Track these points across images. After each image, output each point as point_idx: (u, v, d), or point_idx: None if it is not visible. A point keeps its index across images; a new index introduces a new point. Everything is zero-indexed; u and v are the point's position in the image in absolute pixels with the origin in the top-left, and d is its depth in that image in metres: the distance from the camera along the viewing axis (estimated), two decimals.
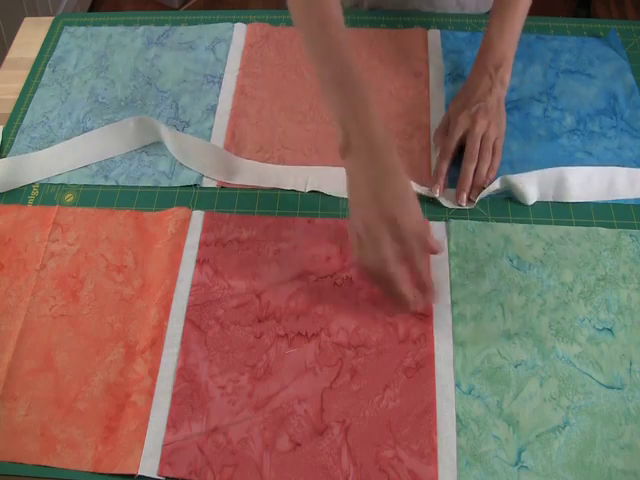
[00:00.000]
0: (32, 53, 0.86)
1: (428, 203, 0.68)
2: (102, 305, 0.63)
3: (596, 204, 0.68)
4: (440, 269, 0.63)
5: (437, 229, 0.66)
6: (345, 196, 0.68)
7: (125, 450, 0.55)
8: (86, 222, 0.69)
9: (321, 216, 0.68)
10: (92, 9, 2.09)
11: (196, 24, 0.87)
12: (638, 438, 0.54)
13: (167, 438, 0.56)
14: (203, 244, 0.66)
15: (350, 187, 0.59)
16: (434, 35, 0.83)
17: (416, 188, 0.67)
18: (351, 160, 0.58)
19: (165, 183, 0.72)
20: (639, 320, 0.60)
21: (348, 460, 0.54)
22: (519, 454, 0.54)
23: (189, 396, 0.58)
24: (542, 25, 0.84)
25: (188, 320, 0.62)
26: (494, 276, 0.63)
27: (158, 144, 0.75)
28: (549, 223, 0.66)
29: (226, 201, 0.70)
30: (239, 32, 0.85)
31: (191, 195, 0.71)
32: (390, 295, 0.57)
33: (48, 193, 0.72)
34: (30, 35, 0.89)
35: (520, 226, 0.66)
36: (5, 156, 0.75)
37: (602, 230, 0.65)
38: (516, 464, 0.53)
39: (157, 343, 0.60)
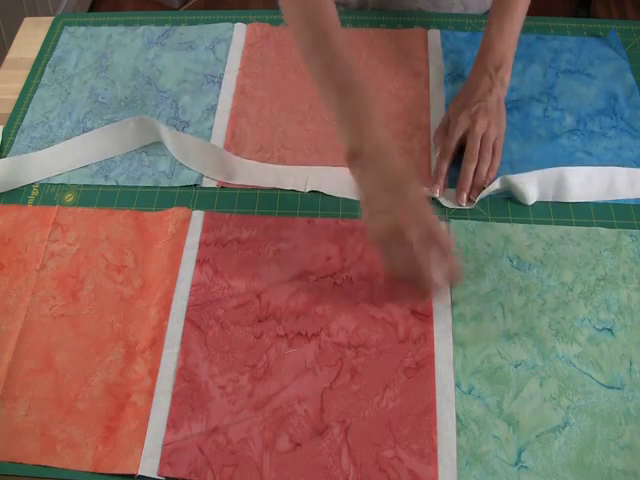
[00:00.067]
0: (32, 53, 0.86)
1: None
2: (102, 305, 0.63)
3: (596, 204, 0.68)
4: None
5: None
6: (345, 196, 0.69)
7: (125, 450, 0.55)
8: (86, 222, 0.69)
9: (321, 216, 0.68)
10: (92, 9, 2.09)
11: (196, 24, 0.87)
12: (638, 438, 0.54)
13: (167, 438, 0.56)
14: (203, 244, 0.66)
15: (364, 195, 0.59)
16: (434, 35, 0.83)
17: None
18: (360, 168, 0.59)
19: (165, 183, 0.72)
20: (639, 320, 0.60)
21: (348, 460, 0.54)
22: (519, 454, 0.54)
23: (189, 396, 0.58)
24: (542, 25, 0.84)
25: (188, 320, 0.62)
26: (494, 276, 0.63)
27: (158, 144, 0.75)
28: (549, 223, 0.66)
29: (226, 201, 0.70)
30: (239, 32, 0.85)
31: (191, 195, 0.71)
32: (418, 286, 0.59)
33: (48, 193, 0.72)
34: (30, 35, 0.89)
35: (520, 226, 0.66)
36: (5, 156, 0.75)
37: (602, 230, 0.65)
38: (516, 464, 0.53)
39: (157, 343, 0.60)
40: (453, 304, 0.61)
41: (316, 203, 0.69)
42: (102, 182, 0.72)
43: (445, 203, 0.68)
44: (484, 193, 0.67)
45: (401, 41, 0.83)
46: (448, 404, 0.56)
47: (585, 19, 0.86)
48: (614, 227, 0.66)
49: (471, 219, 0.67)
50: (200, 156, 0.73)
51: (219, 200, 0.70)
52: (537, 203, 0.68)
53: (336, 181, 0.69)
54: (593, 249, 0.64)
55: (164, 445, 0.55)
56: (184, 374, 0.59)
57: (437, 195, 0.68)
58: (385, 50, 0.82)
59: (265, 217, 0.68)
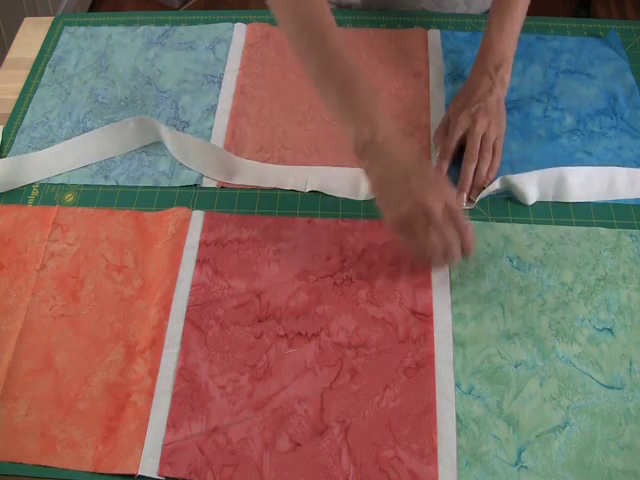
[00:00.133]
0: (32, 53, 0.86)
1: None
2: (102, 305, 0.63)
3: (596, 204, 0.68)
4: (440, 269, 0.63)
5: None
6: (345, 196, 0.69)
7: (125, 450, 0.55)
8: (86, 222, 0.69)
9: (321, 216, 0.68)
10: (92, 9, 2.09)
11: (196, 24, 0.87)
12: (638, 438, 0.54)
13: (167, 438, 0.56)
14: (203, 244, 0.66)
15: (378, 184, 0.59)
16: (434, 35, 0.83)
17: None
18: (372, 158, 0.59)
19: (165, 183, 0.72)
20: (639, 320, 0.60)
21: (348, 460, 0.54)
22: (519, 454, 0.54)
23: (189, 396, 0.58)
24: (542, 25, 0.84)
25: (188, 320, 0.62)
26: (494, 276, 0.63)
27: (158, 144, 0.75)
28: (549, 223, 0.66)
29: (226, 201, 0.70)
30: (239, 32, 0.85)
31: (191, 195, 0.71)
32: (437, 261, 0.61)
33: (48, 193, 0.72)
34: (30, 35, 0.89)
35: (520, 226, 0.66)
36: (5, 156, 0.75)
37: (602, 230, 0.65)
38: (516, 464, 0.53)
39: (157, 343, 0.60)
40: (453, 304, 0.61)
41: (316, 203, 0.69)
42: (102, 182, 0.72)
43: None
44: (484, 193, 0.67)
45: (401, 41, 0.83)
46: (448, 404, 0.56)
47: (585, 19, 0.86)
48: (614, 227, 0.66)
49: (471, 219, 0.67)
50: (200, 156, 0.73)
51: (219, 200, 0.70)
52: (537, 203, 0.68)
53: (336, 181, 0.70)
54: (593, 249, 0.64)
55: (164, 445, 0.55)
56: (184, 374, 0.59)
57: None
58: (385, 50, 0.82)
59: (265, 217, 0.68)
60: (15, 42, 0.88)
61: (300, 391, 0.57)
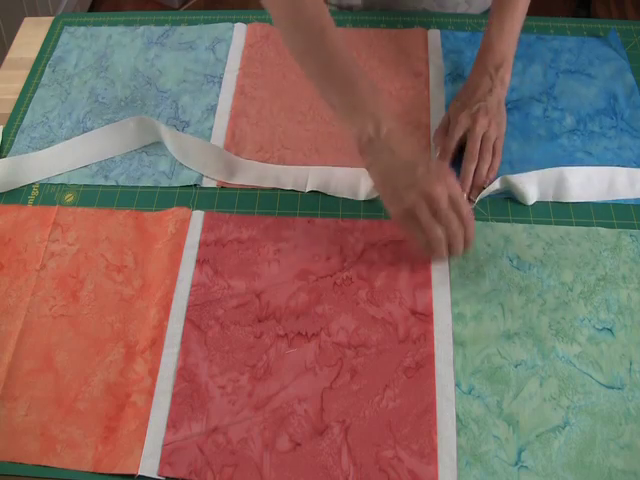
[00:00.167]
0: (32, 53, 0.86)
1: None
2: (102, 305, 0.63)
3: (596, 204, 0.68)
4: (440, 269, 0.63)
5: None
6: (345, 196, 0.69)
7: (125, 450, 0.55)
8: (86, 222, 0.69)
9: (321, 216, 0.68)
10: (92, 9, 2.09)
11: (196, 24, 0.87)
12: (638, 438, 0.54)
13: (167, 438, 0.56)
14: (203, 244, 0.66)
15: (382, 178, 0.60)
16: (434, 35, 0.83)
17: None
18: (377, 152, 0.59)
19: (165, 183, 0.72)
20: (639, 320, 0.60)
21: (348, 460, 0.54)
22: (519, 454, 0.54)
23: (189, 396, 0.58)
24: (542, 25, 0.84)
25: (188, 320, 0.62)
26: (494, 276, 0.63)
27: (158, 144, 0.75)
28: (549, 223, 0.66)
29: (226, 201, 0.70)
30: (239, 32, 0.85)
31: (191, 195, 0.71)
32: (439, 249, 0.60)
33: (48, 193, 0.72)
34: (30, 35, 0.89)
35: (520, 226, 0.66)
36: (5, 156, 0.75)
37: (602, 230, 0.65)
38: (516, 464, 0.53)
39: (157, 343, 0.60)
40: (453, 304, 0.61)
41: (316, 203, 0.69)
42: (102, 182, 0.72)
43: None
44: (484, 193, 0.67)
45: (401, 41, 0.83)
46: (448, 404, 0.56)
47: (585, 19, 0.86)
48: (614, 227, 0.66)
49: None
50: (200, 156, 0.73)
51: (219, 200, 0.70)
52: (537, 203, 0.68)
53: (336, 181, 0.70)
54: (593, 249, 0.64)
55: (164, 445, 0.55)
56: (184, 374, 0.59)
57: None
58: (385, 50, 0.82)
59: (265, 217, 0.68)
60: (15, 42, 0.88)
61: (300, 391, 0.57)
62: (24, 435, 0.57)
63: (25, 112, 0.79)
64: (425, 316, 0.61)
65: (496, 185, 0.67)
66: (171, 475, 0.54)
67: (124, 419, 0.57)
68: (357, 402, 0.56)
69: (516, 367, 0.58)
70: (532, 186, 0.67)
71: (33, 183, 0.73)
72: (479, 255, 0.64)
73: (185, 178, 0.72)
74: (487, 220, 0.67)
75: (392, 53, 0.81)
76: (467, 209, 0.59)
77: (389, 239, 0.65)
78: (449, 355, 0.58)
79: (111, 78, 0.82)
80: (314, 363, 0.59)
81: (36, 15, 1.70)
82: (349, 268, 0.64)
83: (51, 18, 0.90)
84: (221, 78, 0.81)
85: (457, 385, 0.57)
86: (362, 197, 0.69)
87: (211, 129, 0.76)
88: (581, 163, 0.70)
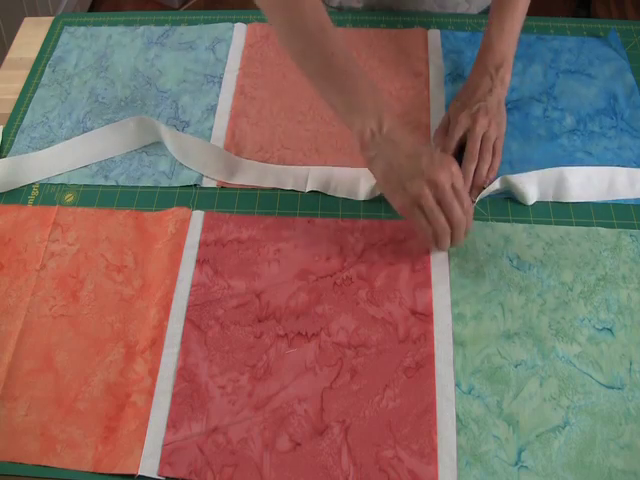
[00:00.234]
0: (32, 53, 0.86)
1: None
2: (102, 305, 0.63)
3: (596, 204, 0.68)
4: (440, 269, 0.63)
5: None
6: (345, 196, 0.69)
7: (125, 450, 0.55)
8: (86, 222, 0.69)
9: (321, 216, 0.68)
10: (92, 9, 2.09)
11: (196, 24, 0.87)
12: (638, 438, 0.54)
13: (167, 438, 0.56)
14: (203, 244, 0.66)
15: (385, 171, 0.60)
16: (434, 35, 0.83)
17: None
18: (380, 146, 0.60)
19: (165, 183, 0.72)
20: (639, 320, 0.60)
21: (348, 460, 0.54)
22: (519, 454, 0.54)
23: (189, 396, 0.58)
24: (542, 25, 0.84)
25: (188, 320, 0.62)
26: (494, 276, 0.63)
27: (158, 144, 0.75)
28: (549, 223, 0.66)
29: (226, 201, 0.70)
30: (239, 32, 0.85)
31: (191, 195, 0.71)
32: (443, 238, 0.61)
33: (48, 193, 0.72)
34: (30, 35, 0.89)
35: (520, 226, 0.66)
36: (5, 156, 0.75)
37: (602, 230, 0.65)
38: (516, 464, 0.53)
39: (157, 343, 0.60)
40: (453, 304, 0.61)
41: (316, 203, 0.69)
42: (102, 182, 0.72)
43: None
44: (484, 193, 0.67)
45: (401, 41, 0.83)
46: (448, 404, 0.56)
47: (585, 19, 0.86)
48: (614, 227, 0.66)
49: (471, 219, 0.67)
50: (200, 156, 0.73)
51: (219, 200, 0.70)
52: (537, 203, 0.68)
53: (336, 181, 0.70)
54: (593, 249, 0.64)
55: (164, 445, 0.55)
56: (184, 374, 0.59)
57: None
58: (385, 50, 0.82)
59: (265, 217, 0.68)
60: (15, 42, 0.88)
61: (300, 391, 0.57)
62: (24, 435, 0.57)
63: (25, 112, 0.79)
64: (425, 316, 0.61)
65: (496, 185, 0.67)
66: (171, 475, 0.54)
67: (124, 419, 0.57)
68: (357, 402, 0.56)
69: (516, 367, 0.58)
70: (532, 186, 0.67)
71: (33, 183, 0.73)
72: (479, 255, 0.64)
73: (185, 178, 0.72)
74: (487, 220, 0.67)
75: (392, 53, 0.81)
76: (468, 200, 0.60)
77: (389, 239, 0.65)
78: (449, 355, 0.58)
79: (111, 78, 0.82)
80: (314, 363, 0.59)
81: (36, 15, 1.70)
82: (349, 268, 0.64)
83: (51, 18, 0.90)
84: (221, 78, 0.81)
85: (457, 385, 0.57)
86: (362, 197, 0.69)
87: (211, 129, 0.76)
88: (581, 163, 0.70)
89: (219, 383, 0.58)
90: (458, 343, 0.59)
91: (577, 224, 0.66)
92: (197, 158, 0.73)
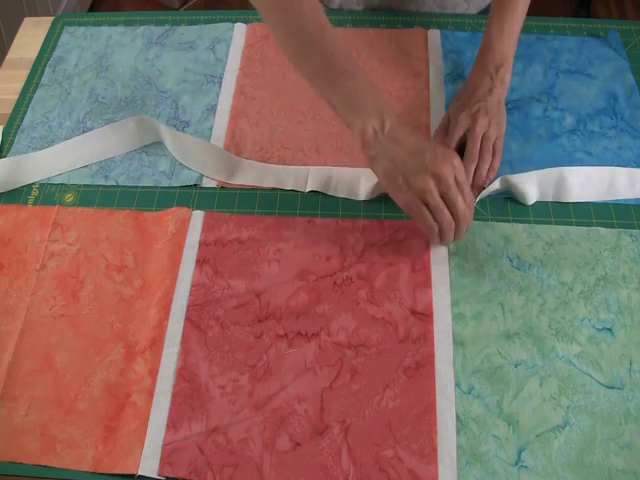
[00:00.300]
0: (32, 53, 0.86)
1: None
2: (102, 305, 0.63)
3: (596, 204, 0.68)
4: (440, 269, 0.63)
5: None
6: (345, 196, 0.69)
7: (125, 450, 0.55)
8: (86, 222, 0.69)
9: (321, 216, 0.68)
10: (92, 9, 2.09)
11: (196, 24, 0.87)
12: (638, 438, 0.54)
13: (167, 438, 0.56)
14: (203, 244, 0.66)
15: (389, 170, 0.60)
16: (434, 35, 0.83)
17: None
18: (383, 144, 0.60)
19: (165, 183, 0.72)
20: (639, 320, 0.60)
21: (348, 460, 0.54)
22: (519, 454, 0.54)
23: (189, 396, 0.58)
24: (542, 25, 0.84)
25: (188, 320, 0.62)
26: (494, 276, 0.63)
27: (158, 144, 0.75)
28: (549, 223, 0.66)
29: (226, 201, 0.70)
30: (239, 32, 0.85)
31: (191, 195, 0.71)
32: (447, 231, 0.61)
33: (48, 193, 0.72)
34: (30, 35, 0.89)
35: (520, 226, 0.66)
36: (5, 156, 0.75)
37: (602, 230, 0.65)
38: (516, 464, 0.53)
39: (157, 343, 0.60)
40: (453, 304, 0.61)
41: (316, 203, 0.69)
42: (102, 182, 0.72)
43: None
44: (484, 193, 0.67)
45: (401, 41, 0.83)
46: (448, 404, 0.56)
47: (585, 19, 0.86)
48: (614, 227, 0.66)
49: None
50: (200, 156, 0.73)
51: (219, 200, 0.70)
52: (537, 203, 0.68)
53: (336, 181, 0.70)
54: (593, 249, 0.64)
55: (164, 445, 0.55)
56: (184, 374, 0.59)
57: None
58: (385, 50, 0.82)
59: (265, 217, 0.68)
60: (15, 42, 0.88)
61: (300, 391, 0.57)
62: (24, 435, 0.57)
63: (25, 112, 0.79)
64: (425, 316, 0.61)
65: (496, 185, 0.67)
66: (171, 475, 0.54)
67: (124, 419, 0.57)
68: (357, 402, 0.56)
69: (516, 367, 0.58)
70: (532, 186, 0.67)
71: (33, 183, 0.73)
72: (479, 255, 0.64)
73: (185, 178, 0.72)
74: (487, 220, 0.67)
75: (392, 53, 0.81)
76: (470, 194, 0.60)
77: (389, 239, 0.65)
78: (449, 355, 0.58)
79: (111, 78, 0.82)
80: (314, 363, 0.59)
81: (36, 15, 1.69)
82: (349, 268, 0.64)
83: (51, 18, 0.90)
84: (221, 78, 0.81)
85: (457, 385, 0.57)
86: (362, 197, 0.69)
87: (211, 129, 0.76)
88: (581, 163, 0.70)
89: (219, 383, 0.58)
90: (458, 343, 0.59)
91: (577, 224, 0.66)
92: (197, 158, 0.73)
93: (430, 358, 0.58)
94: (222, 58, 0.83)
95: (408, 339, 0.59)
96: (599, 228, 0.65)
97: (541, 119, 0.74)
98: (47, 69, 0.84)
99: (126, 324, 0.62)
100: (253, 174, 0.71)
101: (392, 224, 0.66)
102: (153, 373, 0.59)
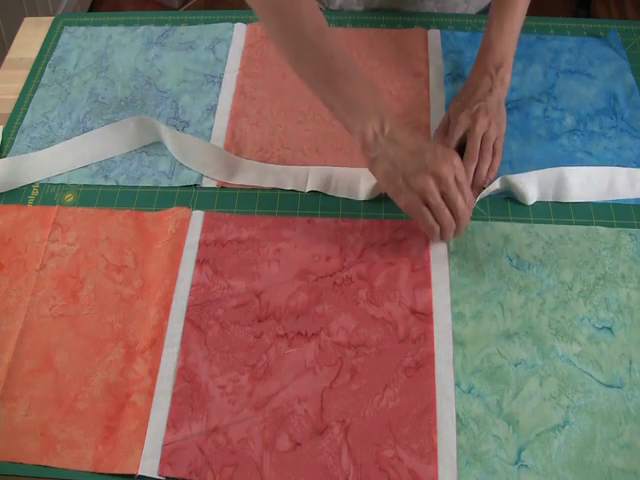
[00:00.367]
0: (32, 53, 0.86)
1: None
2: (102, 305, 0.63)
3: (596, 204, 0.68)
4: (440, 268, 0.63)
5: None
6: (345, 196, 0.69)
7: (125, 450, 0.55)
8: (86, 222, 0.69)
9: (321, 216, 0.68)
10: (92, 9, 2.09)
11: (196, 24, 0.87)
12: (638, 437, 0.54)
13: (167, 438, 0.56)
14: (203, 244, 0.66)
15: (389, 171, 0.60)
16: (434, 35, 0.83)
17: None
18: (383, 146, 0.60)
19: (165, 183, 0.72)
20: (638, 319, 0.60)
21: (348, 460, 0.54)
22: (519, 453, 0.54)
23: (189, 396, 0.58)
24: (542, 25, 0.84)
25: (188, 320, 0.62)
26: (494, 275, 0.63)
27: (158, 144, 0.75)
28: (549, 223, 0.66)
29: (226, 201, 0.70)
30: (239, 32, 0.85)
31: (191, 195, 0.71)
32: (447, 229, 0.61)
33: (48, 193, 0.72)
34: (30, 35, 0.89)
35: (520, 225, 0.66)
36: (5, 156, 0.75)
37: (601, 229, 0.65)
38: (516, 463, 0.53)
39: (157, 343, 0.60)
40: (453, 303, 0.61)
41: (316, 203, 0.69)
42: (102, 182, 0.72)
43: None
44: (484, 193, 0.67)
45: (401, 41, 0.83)
46: (448, 403, 0.56)
47: (585, 19, 0.86)
48: (614, 227, 0.66)
49: (471, 219, 0.66)
50: (200, 156, 0.73)
51: (219, 200, 0.70)
52: (537, 203, 0.68)
53: (336, 181, 0.70)
54: (592, 248, 0.64)
55: (164, 445, 0.55)
56: (184, 374, 0.59)
57: None
58: (385, 50, 0.82)
59: (265, 217, 0.68)
60: (15, 42, 0.88)
61: (300, 391, 0.57)
62: (24, 435, 0.57)
63: (25, 112, 0.79)
64: (425, 315, 0.61)
65: (496, 185, 0.67)
66: (171, 475, 0.54)
67: (124, 419, 0.57)
68: (357, 402, 0.56)
69: (516, 366, 0.58)
70: (532, 186, 0.67)
71: (33, 183, 0.73)
72: (479, 254, 0.64)
73: (185, 178, 0.72)
74: (487, 220, 0.67)
75: (392, 53, 0.81)
76: (470, 193, 0.61)
77: (389, 239, 0.65)
78: (449, 355, 0.59)
79: (111, 78, 0.82)
80: (314, 363, 0.59)
81: (36, 15, 1.69)
82: (349, 268, 0.64)
83: (51, 18, 0.90)
84: (221, 78, 0.81)
85: (457, 384, 0.57)
86: (362, 197, 0.69)
87: (211, 129, 0.76)
88: (581, 163, 0.70)
89: (219, 383, 0.58)
90: (458, 342, 0.59)
91: (577, 224, 0.66)
92: (197, 158, 0.73)
93: (430, 358, 0.58)
94: (222, 58, 0.83)
95: (408, 339, 0.59)
96: (598, 227, 0.65)
97: (541, 119, 0.74)
98: (47, 69, 0.84)
99: (126, 324, 0.62)
100: (253, 174, 0.71)
101: (392, 224, 0.66)
102: (153, 373, 0.59)
